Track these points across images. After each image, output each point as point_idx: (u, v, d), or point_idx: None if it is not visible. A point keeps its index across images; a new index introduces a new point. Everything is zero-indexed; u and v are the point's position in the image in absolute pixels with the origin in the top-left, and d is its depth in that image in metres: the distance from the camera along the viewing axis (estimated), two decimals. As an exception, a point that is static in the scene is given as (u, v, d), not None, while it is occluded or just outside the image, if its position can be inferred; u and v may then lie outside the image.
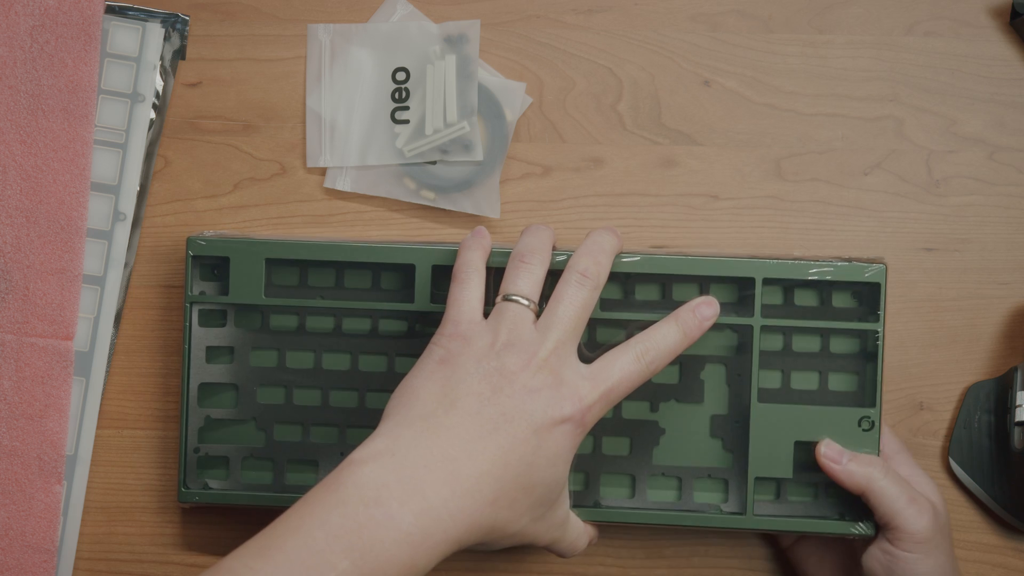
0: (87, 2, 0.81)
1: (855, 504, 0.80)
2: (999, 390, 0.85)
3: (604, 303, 0.81)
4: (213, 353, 0.82)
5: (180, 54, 0.84)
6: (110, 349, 0.83)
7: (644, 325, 0.77)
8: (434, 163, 0.85)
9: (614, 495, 0.81)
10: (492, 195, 0.84)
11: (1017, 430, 0.83)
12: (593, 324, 0.81)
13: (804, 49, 0.86)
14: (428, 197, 0.84)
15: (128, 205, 0.83)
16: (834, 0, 0.86)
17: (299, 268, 0.82)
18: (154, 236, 0.85)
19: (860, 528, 0.79)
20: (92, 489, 0.84)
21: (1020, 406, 0.83)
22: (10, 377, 0.80)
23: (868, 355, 0.80)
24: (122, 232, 0.83)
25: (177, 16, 0.84)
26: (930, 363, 0.86)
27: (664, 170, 0.85)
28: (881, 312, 0.79)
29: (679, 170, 0.86)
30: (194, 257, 0.81)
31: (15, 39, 0.80)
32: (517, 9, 0.85)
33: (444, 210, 0.85)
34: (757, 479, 0.80)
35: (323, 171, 0.85)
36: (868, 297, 0.80)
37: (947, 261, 0.86)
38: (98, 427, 0.84)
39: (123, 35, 0.83)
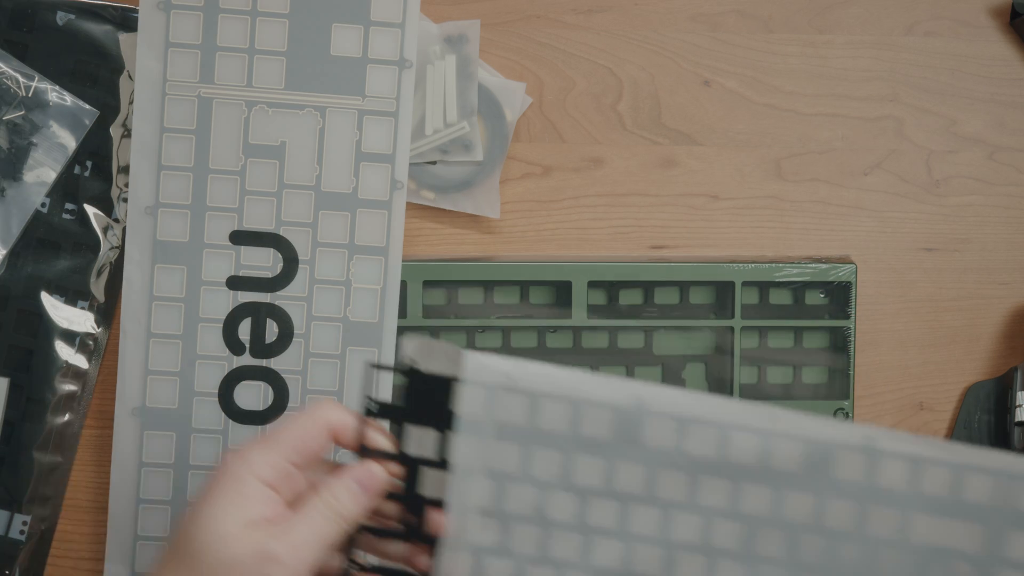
0: None
1: None
2: (999, 390, 0.85)
3: (591, 309, 0.83)
4: None
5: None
6: (395, 320, 0.82)
7: None
8: (434, 163, 0.84)
9: None
10: (492, 195, 0.84)
11: (1017, 430, 0.83)
12: (579, 331, 0.84)
13: (804, 49, 0.86)
14: (428, 197, 0.84)
15: (403, 173, 0.82)
16: (834, 0, 0.86)
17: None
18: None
19: None
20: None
21: (1020, 406, 0.83)
22: None
23: (838, 349, 0.83)
24: (399, 200, 0.82)
25: None
26: (930, 363, 0.86)
27: (664, 170, 0.85)
28: (852, 309, 0.83)
29: (679, 170, 0.86)
30: None
31: None
32: (517, 9, 0.85)
33: (444, 210, 0.85)
34: None
35: (323, 171, 0.85)
36: (838, 294, 0.83)
37: (947, 261, 0.86)
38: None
39: (385, 2, 0.82)
